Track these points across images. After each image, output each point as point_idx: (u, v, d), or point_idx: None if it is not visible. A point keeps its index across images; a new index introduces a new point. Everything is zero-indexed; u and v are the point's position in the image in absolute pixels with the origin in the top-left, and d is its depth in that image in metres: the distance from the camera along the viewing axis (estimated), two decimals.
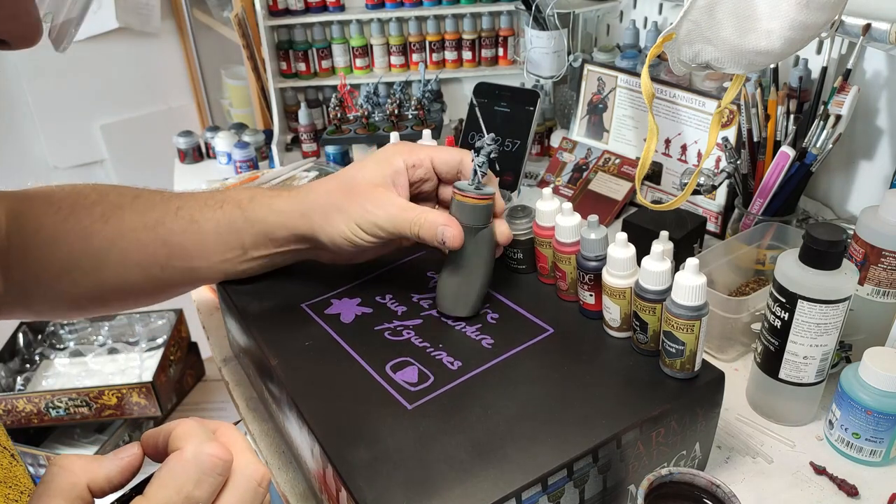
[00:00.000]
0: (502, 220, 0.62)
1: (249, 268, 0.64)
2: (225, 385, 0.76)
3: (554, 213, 0.61)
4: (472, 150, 0.60)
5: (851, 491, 0.58)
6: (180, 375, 1.26)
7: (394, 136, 0.78)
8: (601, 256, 0.58)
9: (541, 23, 1.06)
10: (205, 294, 0.90)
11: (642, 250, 0.55)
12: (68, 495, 0.36)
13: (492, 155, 0.59)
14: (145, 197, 0.64)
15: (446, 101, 1.24)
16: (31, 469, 1.17)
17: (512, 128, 1.04)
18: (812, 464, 0.61)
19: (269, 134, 1.32)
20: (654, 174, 1.00)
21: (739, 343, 0.73)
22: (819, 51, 0.89)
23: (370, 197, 0.59)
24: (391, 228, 0.58)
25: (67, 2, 0.40)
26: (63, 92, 1.80)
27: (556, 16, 1.04)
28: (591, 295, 0.59)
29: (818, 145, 0.77)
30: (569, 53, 1.09)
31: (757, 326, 0.69)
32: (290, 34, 1.24)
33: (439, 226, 0.57)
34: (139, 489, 0.37)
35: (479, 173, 0.59)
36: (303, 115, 1.24)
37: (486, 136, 0.60)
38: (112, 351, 1.28)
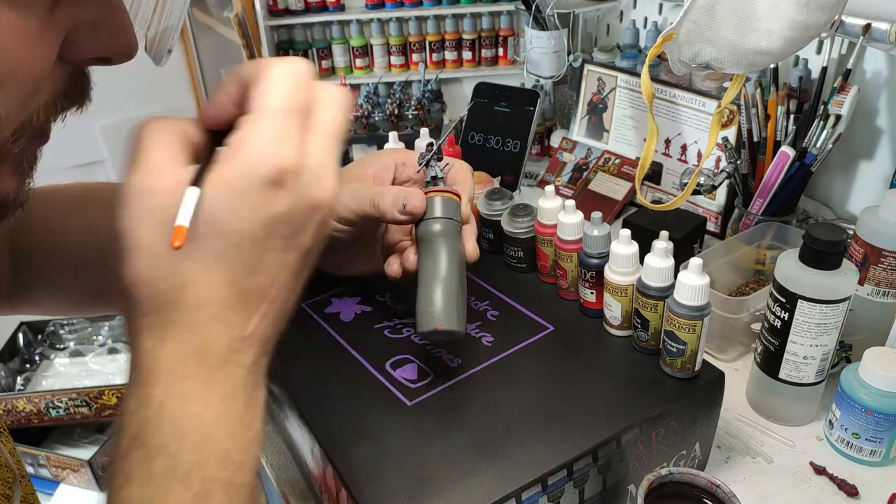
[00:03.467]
0: (470, 231, 0.55)
1: None
2: None
3: (556, 211, 0.61)
4: (423, 165, 0.57)
5: (851, 491, 0.58)
6: None
7: (392, 135, 0.78)
8: (604, 254, 0.58)
9: (541, 23, 1.06)
10: None
11: (642, 250, 0.55)
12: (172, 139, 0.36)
13: (431, 163, 0.56)
14: None
15: (446, 101, 1.24)
16: (30, 469, 1.17)
17: (512, 128, 1.05)
18: (812, 464, 0.61)
19: None
20: (654, 174, 1.00)
21: (739, 343, 0.73)
22: (819, 51, 0.89)
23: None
24: (353, 206, 0.55)
25: (162, 11, 0.40)
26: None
27: (556, 16, 1.04)
28: (591, 293, 0.59)
29: (818, 145, 0.77)
30: (569, 53, 1.09)
31: (757, 326, 0.69)
32: (290, 34, 1.24)
33: (401, 193, 0.53)
34: None
35: (439, 183, 0.56)
36: None
37: (423, 140, 0.58)
38: (112, 351, 1.28)
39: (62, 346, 1.31)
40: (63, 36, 0.32)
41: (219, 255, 0.33)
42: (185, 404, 0.33)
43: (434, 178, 0.57)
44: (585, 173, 1.05)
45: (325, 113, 0.36)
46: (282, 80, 0.34)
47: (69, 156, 1.91)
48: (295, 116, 0.34)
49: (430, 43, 1.23)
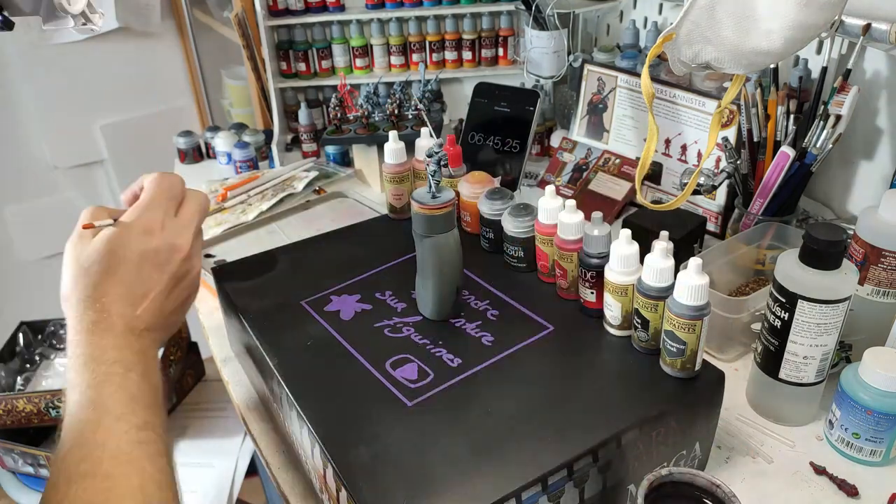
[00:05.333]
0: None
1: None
2: (225, 385, 0.76)
3: (556, 211, 0.61)
4: (425, 157, 0.59)
5: (851, 491, 0.58)
6: (180, 375, 1.26)
7: (392, 135, 0.78)
8: (604, 254, 0.58)
9: (541, 23, 1.06)
10: (205, 294, 0.90)
11: (642, 250, 0.55)
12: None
13: (442, 162, 0.58)
14: None
15: (446, 101, 1.24)
16: (30, 469, 1.17)
17: (512, 128, 1.05)
18: (812, 464, 0.61)
19: (269, 134, 1.32)
20: (654, 174, 1.00)
21: (739, 343, 0.73)
22: (819, 51, 0.89)
23: None
24: None
25: None
26: (63, 92, 1.79)
27: (556, 16, 1.04)
28: (592, 292, 0.59)
29: (818, 145, 0.77)
30: (569, 53, 1.09)
31: (757, 326, 0.69)
32: (290, 34, 1.24)
33: None
34: None
35: (432, 182, 0.59)
36: (303, 115, 1.24)
37: (435, 141, 0.59)
38: None
39: (62, 346, 1.31)
40: None
41: (114, 268, 0.55)
42: (91, 340, 0.52)
43: (433, 195, 0.59)
44: (585, 173, 1.05)
45: (189, 204, 0.59)
46: (159, 182, 0.58)
47: (69, 156, 1.91)
48: (165, 201, 0.58)
49: (430, 43, 1.23)
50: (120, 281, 0.55)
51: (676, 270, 0.53)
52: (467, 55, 1.23)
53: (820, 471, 0.60)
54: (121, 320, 0.54)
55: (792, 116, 0.82)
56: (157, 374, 0.55)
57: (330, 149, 1.22)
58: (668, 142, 0.98)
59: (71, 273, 0.55)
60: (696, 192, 0.80)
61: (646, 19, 1.12)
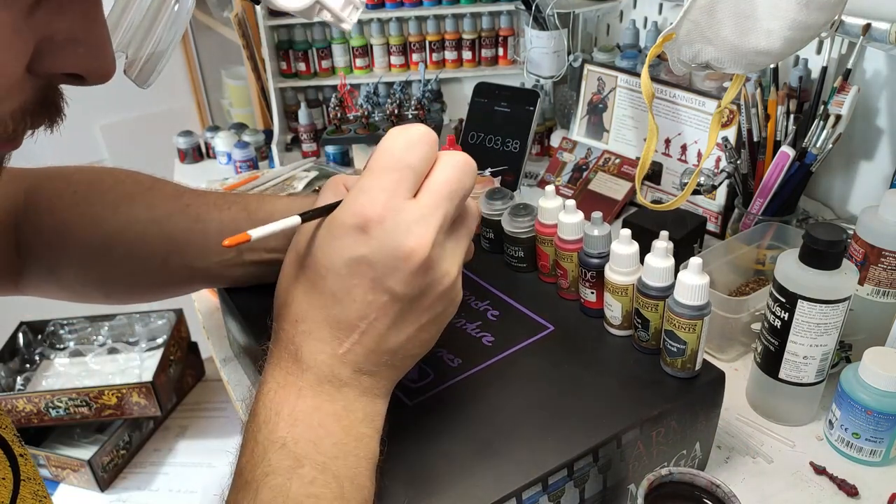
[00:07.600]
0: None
1: (244, 274, 0.63)
2: (225, 385, 0.76)
3: (556, 211, 0.61)
4: None
5: (851, 491, 0.58)
6: (180, 375, 1.26)
7: None
8: (604, 253, 0.58)
9: (541, 23, 1.06)
10: (205, 294, 0.90)
11: (642, 250, 0.55)
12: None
13: None
14: (158, 189, 0.63)
15: (446, 101, 1.24)
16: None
17: (512, 128, 1.05)
18: (812, 464, 0.61)
19: (269, 134, 1.32)
20: (654, 174, 1.00)
21: (739, 343, 0.73)
22: (819, 51, 0.89)
23: None
24: None
25: (150, 36, 0.38)
26: (62, 91, 1.80)
27: (556, 16, 1.04)
28: (592, 292, 0.59)
29: (818, 145, 0.77)
30: (569, 53, 1.09)
31: (757, 326, 0.69)
32: (290, 34, 1.24)
33: None
34: None
35: None
36: (303, 115, 1.24)
37: None
38: (112, 351, 1.28)
39: (62, 346, 1.31)
40: (35, 43, 0.30)
41: (312, 283, 0.41)
42: (283, 390, 0.41)
43: None
44: (585, 173, 1.05)
45: (438, 174, 0.41)
46: (390, 142, 0.41)
47: (69, 156, 1.91)
48: (392, 173, 0.40)
49: (430, 43, 1.23)
50: (314, 300, 0.41)
51: (677, 270, 0.53)
52: (467, 55, 1.23)
53: (820, 471, 0.60)
54: (310, 356, 0.42)
55: (792, 116, 0.82)
56: (366, 447, 0.43)
57: (330, 149, 1.22)
58: (668, 142, 0.98)
59: (283, 264, 0.44)
60: (696, 192, 0.80)
61: (646, 19, 1.12)
